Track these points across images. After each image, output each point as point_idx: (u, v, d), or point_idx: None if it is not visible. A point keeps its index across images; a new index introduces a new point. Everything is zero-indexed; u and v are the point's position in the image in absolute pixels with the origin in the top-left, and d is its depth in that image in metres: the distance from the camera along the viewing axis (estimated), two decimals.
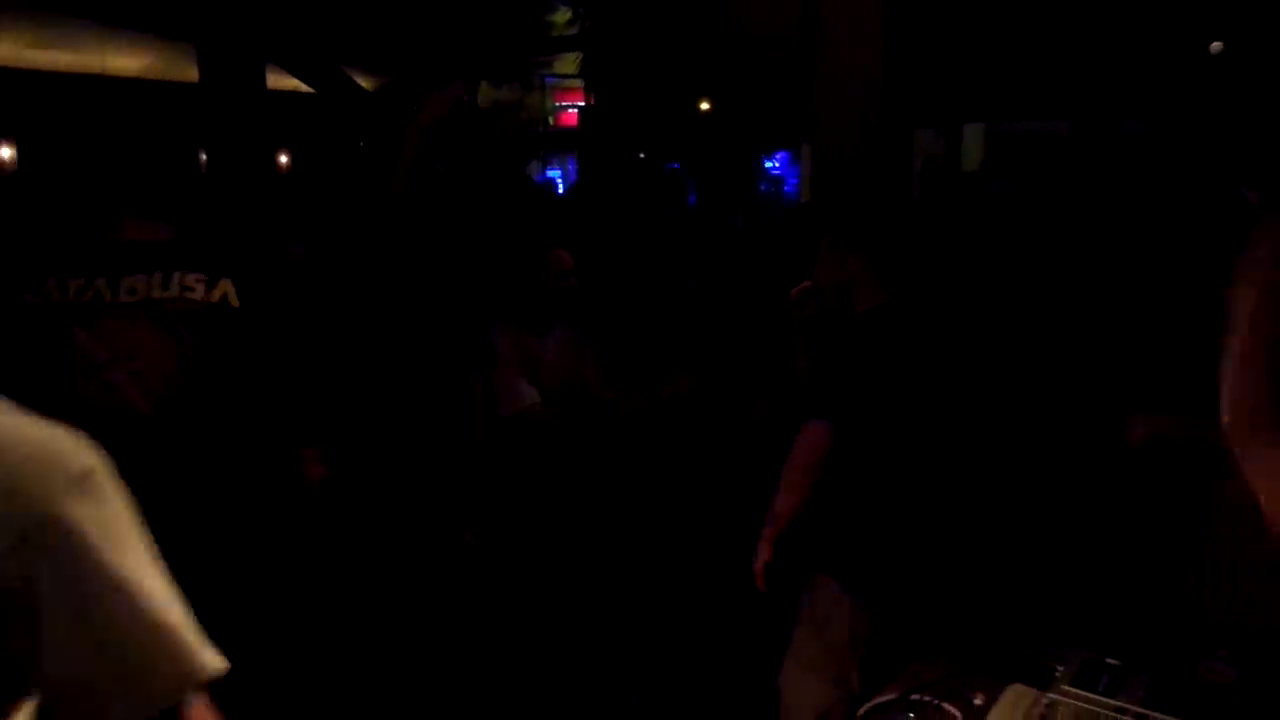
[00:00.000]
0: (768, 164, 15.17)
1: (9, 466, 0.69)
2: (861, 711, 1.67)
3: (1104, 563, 2.50)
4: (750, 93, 9.48)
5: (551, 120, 16.61)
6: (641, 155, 10.23)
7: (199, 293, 1.70)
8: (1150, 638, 1.99)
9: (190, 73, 6.01)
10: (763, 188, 14.46)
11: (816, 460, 2.03)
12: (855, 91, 3.00)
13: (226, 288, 1.72)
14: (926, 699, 1.66)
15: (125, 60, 10.13)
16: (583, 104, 12.21)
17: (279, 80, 7.10)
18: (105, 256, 1.72)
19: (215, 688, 0.80)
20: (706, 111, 10.58)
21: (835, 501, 2.10)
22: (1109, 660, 1.70)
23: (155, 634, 0.74)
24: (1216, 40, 7.59)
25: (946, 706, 1.65)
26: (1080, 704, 1.57)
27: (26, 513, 0.68)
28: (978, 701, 1.64)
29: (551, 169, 16.71)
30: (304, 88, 7.76)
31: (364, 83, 8.47)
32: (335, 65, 7.65)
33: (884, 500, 2.08)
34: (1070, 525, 2.68)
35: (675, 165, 12.60)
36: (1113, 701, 1.57)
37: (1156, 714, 1.53)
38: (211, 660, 0.77)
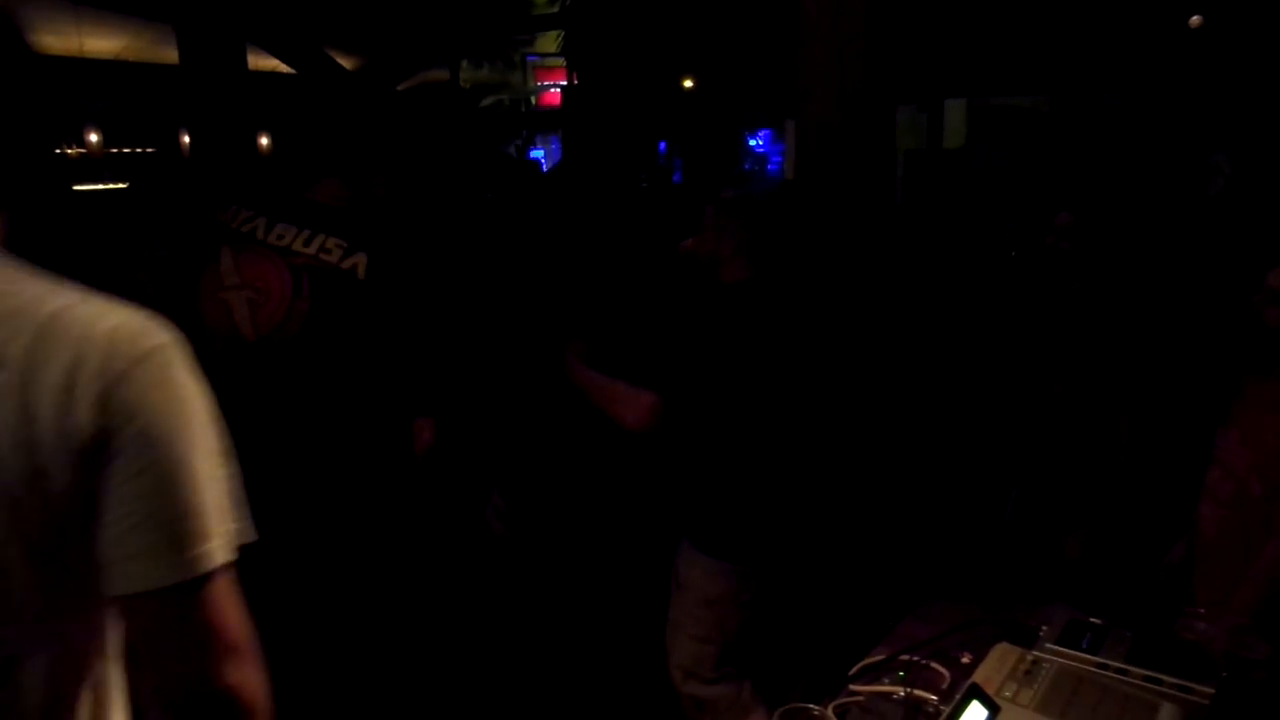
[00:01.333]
0: (751, 142, 15.14)
1: (90, 343, 0.77)
2: (852, 671, 1.71)
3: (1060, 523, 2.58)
4: (734, 70, 9.45)
5: (534, 100, 16.50)
6: (624, 133, 10.19)
7: (335, 257, 1.92)
8: (1132, 598, 2.05)
9: (169, 54, 5.95)
10: (746, 165, 14.43)
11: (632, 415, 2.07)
12: (838, 66, 3.01)
13: (359, 260, 1.92)
14: (915, 659, 1.71)
15: (103, 42, 10.00)
16: (565, 83, 12.14)
17: (260, 61, 7.03)
18: (276, 203, 1.99)
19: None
20: (690, 89, 10.53)
21: (693, 470, 2.18)
22: (1092, 620, 1.75)
23: (196, 507, 0.81)
24: (1195, 14, 7.62)
25: (935, 665, 1.69)
26: (1064, 661, 1.62)
27: (100, 383, 0.77)
28: (965, 660, 1.69)
29: (535, 149, 16.63)
30: (285, 68, 7.68)
31: (345, 63, 8.39)
32: (316, 45, 7.57)
33: (736, 468, 2.15)
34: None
35: (663, 144, 12.57)
36: (1095, 658, 1.62)
37: (1137, 669, 1.58)
38: (243, 532, 0.85)
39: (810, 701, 1.56)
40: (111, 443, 0.77)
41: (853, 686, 1.66)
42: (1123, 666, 1.59)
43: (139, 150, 11.69)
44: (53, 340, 0.76)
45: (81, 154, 11.31)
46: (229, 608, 0.83)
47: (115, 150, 11.45)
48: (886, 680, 1.67)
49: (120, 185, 9.59)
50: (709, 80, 10.22)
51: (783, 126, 15.19)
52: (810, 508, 2.21)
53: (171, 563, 0.79)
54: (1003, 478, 2.84)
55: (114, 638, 0.87)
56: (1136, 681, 1.56)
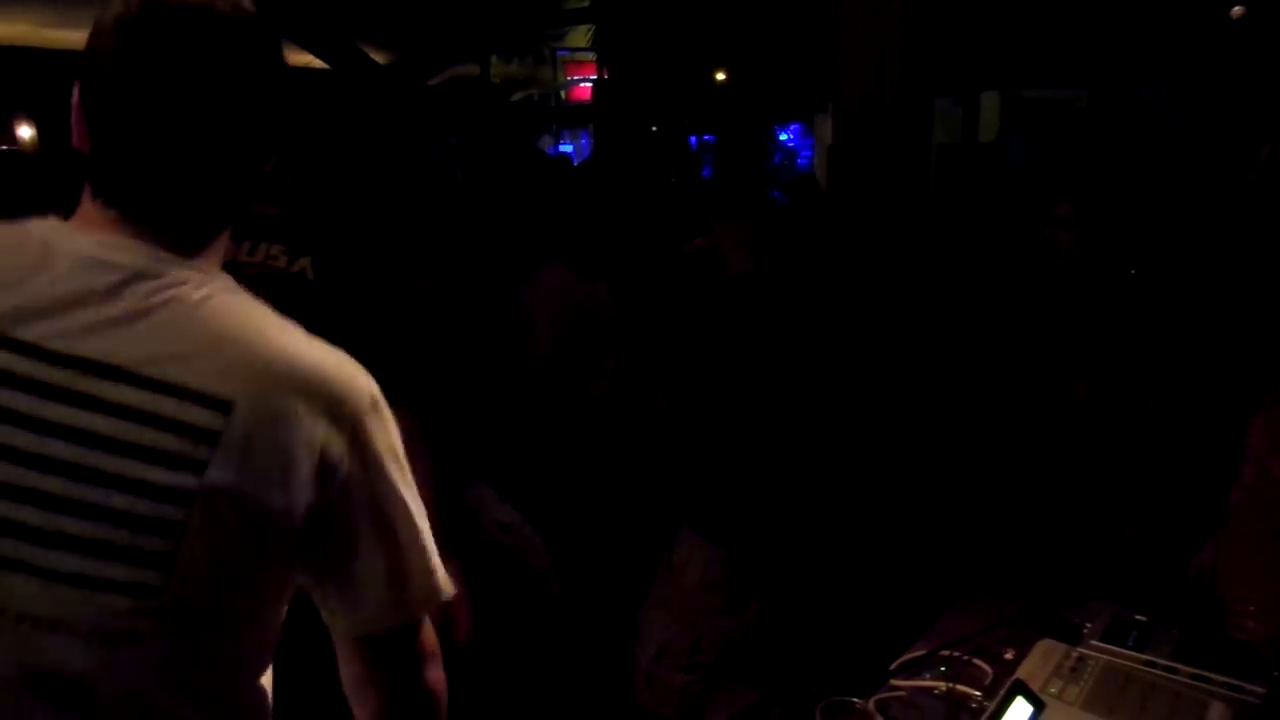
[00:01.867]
0: (781, 136, 15.06)
1: (334, 385, 0.83)
2: (892, 666, 1.70)
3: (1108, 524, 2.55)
4: (765, 64, 9.40)
5: (564, 95, 16.50)
6: (654, 128, 10.17)
7: (281, 262, 1.88)
8: (1177, 594, 2.02)
9: None
10: (776, 159, 14.37)
11: None
12: (876, 59, 2.99)
13: (305, 262, 1.89)
14: (957, 654, 1.69)
15: None
16: (595, 78, 12.14)
17: (293, 56, 7.09)
18: None
19: None
20: (722, 83, 10.49)
21: (698, 456, 2.22)
22: (1137, 616, 1.73)
23: (421, 549, 0.88)
24: (1238, 4, 7.47)
25: (977, 661, 1.68)
26: (1110, 658, 1.60)
27: (351, 419, 0.82)
28: (1008, 656, 1.67)
29: (564, 144, 16.64)
30: (318, 63, 7.74)
31: (377, 58, 8.45)
32: (349, 41, 7.62)
33: (737, 457, 2.18)
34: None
35: (708, 139, 12.51)
36: (1142, 655, 1.60)
37: (1185, 667, 1.56)
38: (447, 583, 0.91)
39: (851, 695, 1.55)
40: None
41: (894, 681, 1.65)
42: (1170, 664, 1.57)
43: None
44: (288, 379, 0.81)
45: None
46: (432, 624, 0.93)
47: None
48: (928, 675, 1.65)
49: None
50: (740, 74, 10.17)
51: (813, 121, 15.10)
52: (811, 499, 2.22)
53: (405, 601, 0.87)
54: (1041, 472, 2.81)
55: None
56: (1185, 680, 1.54)
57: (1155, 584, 2.28)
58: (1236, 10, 7.50)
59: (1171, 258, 2.73)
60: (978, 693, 1.57)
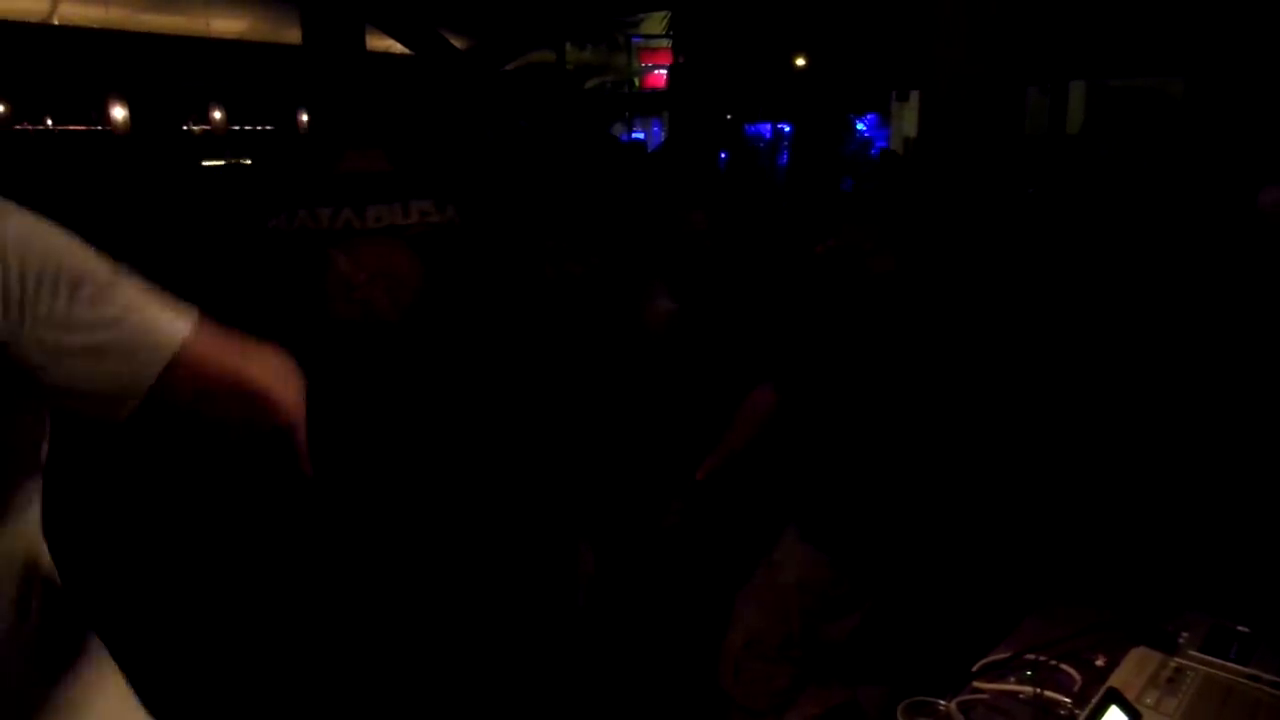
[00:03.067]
0: (858, 125, 14.83)
1: None
2: (975, 668, 1.65)
3: (1221, 529, 2.44)
4: (844, 50, 9.24)
5: (638, 82, 16.49)
6: (729, 116, 10.08)
7: (435, 217, 1.98)
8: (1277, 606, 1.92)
9: (292, 34, 6.15)
10: (851, 148, 14.16)
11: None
12: (967, 46, 2.90)
13: (451, 211, 2.00)
14: (1043, 658, 1.64)
15: (229, 22, 10.41)
16: (669, 64, 12.08)
17: (377, 41, 7.20)
18: (345, 188, 1.96)
19: None
20: (800, 69, 10.34)
21: (805, 456, 2.17)
22: (1238, 627, 1.65)
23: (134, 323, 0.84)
24: None
25: (1065, 667, 1.62)
26: (1211, 670, 1.53)
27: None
28: (1099, 663, 1.61)
29: (636, 131, 16.63)
30: (399, 48, 7.86)
31: (456, 43, 8.53)
32: (431, 27, 7.71)
33: (848, 458, 2.13)
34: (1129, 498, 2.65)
35: (766, 128, 12.36)
36: (1245, 669, 1.52)
37: None
38: (183, 323, 0.88)
39: (934, 696, 1.51)
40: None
41: (977, 684, 1.60)
42: (1277, 680, 1.49)
43: (259, 128, 12.17)
44: None
45: (206, 131, 11.81)
46: (216, 359, 0.90)
47: (237, 128, 11.93)
48: (1013, 679, 1.60)
49: (244, 161, 10.00)
50: (817, 61, 10.01)
51: (888, 110, 14.82)
52: (927, 512, 2.17)
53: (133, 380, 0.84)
54: (1125, 477, 2.71)
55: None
56: None
57: (1255, 594, 2.18)
58: None
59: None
60: (1067, 699, 1.52)
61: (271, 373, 0.92)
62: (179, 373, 0.85)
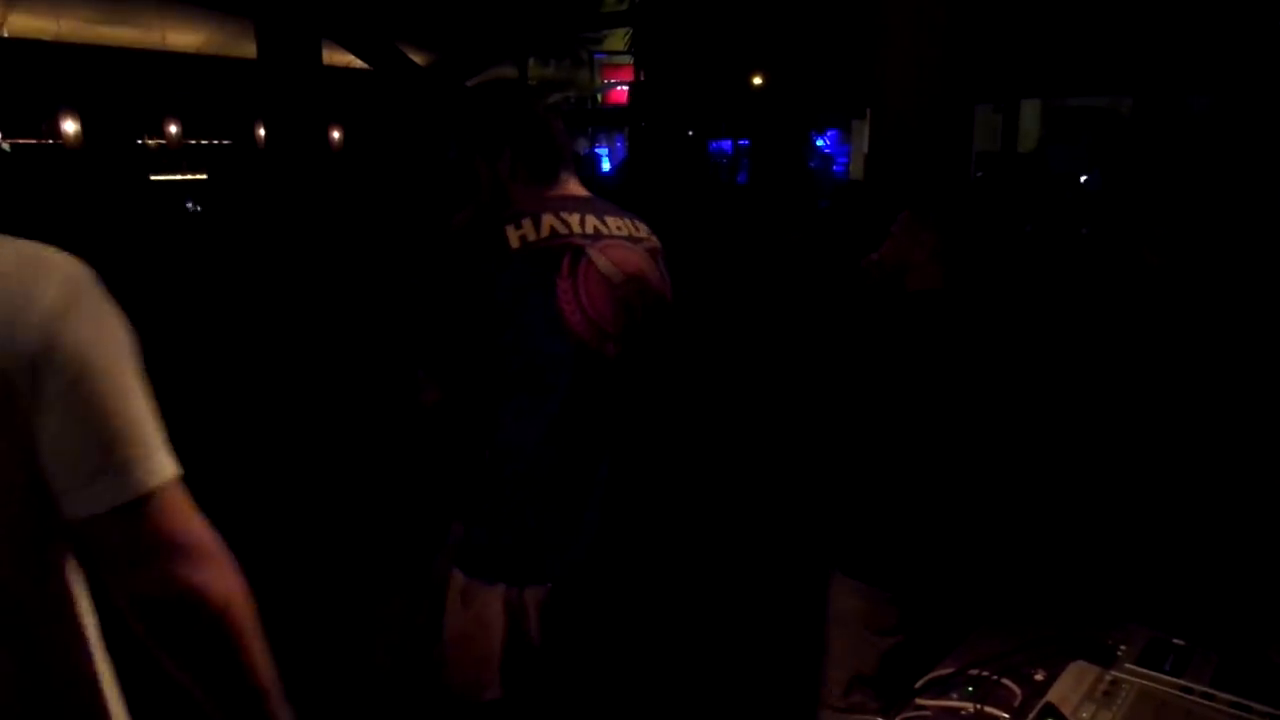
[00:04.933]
0: (818, 141, 14.98)
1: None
2: (918, 684, 1.66)
3: (1169, 545, 2.47)
4: (803, 69, 9.34)
5: (600, 98, 16.56)
6: (690, 132, 10.14)
7: (646, 233, 1.95)
8: (1217, 619, 1.95)
9: (248, 48, 6.09)
10: (812, 164, 14.30)
11: None
12: (916, 64, 2.94)
13: (652, 233, 1.97)
14: (985, 674, 1.65)
15: (185, 36, 10.29)
16: (631, 81, 12.15)
17: (334, 56, 7.16)
18: (578, 201, 1.93)
19: None
20: (759, 87, 10.44)
21: (851, 489, 2.09)
22: (1174, 640, 1.67)
23: (128, 426, 0.82)
24: None
25: (1005, 682, 1.63)
26: (1146, 683, 1.54)
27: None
28: (1038, 678, 1.62)
29: (599, 146, 16.69)
30: (359, 63, 7.82)
31: (416, 59, 8.51)
32: (390, 41, 7.68)
33: (900, 486, 2.04)
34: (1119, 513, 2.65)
35: (743, 142, 12.42)
36: (1179, 681, 1.54)
37: (1224, 694, 1.50)
38: (169, 465, 0.84)
39: (875, 715, 1.51)
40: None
41: (919, 700, 1.60)
42: (1209, 691, 1.51)
43: (215, 142, 12.02)
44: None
45: (161, 145, 11.66)
46: (184, 515, 0.85)
47: (193, 142, 11.79)
48: (955, 695, 1.60)
49: (198, 176, 9.87)
50: (777, 79, 10.12)
51: (849, 126, 15.00)
52: (968, 534, 2.09)
53: (120, 483, 0.81)
54: (1074, 492, 2.74)
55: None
56: (1223, 708, 1.48)
57: (1195, 607, 2.21)
58: None
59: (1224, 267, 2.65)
60: (1005, 715, 1.52)
61: (223, 552, 0.88)
62: (146, 509, 0.83)
